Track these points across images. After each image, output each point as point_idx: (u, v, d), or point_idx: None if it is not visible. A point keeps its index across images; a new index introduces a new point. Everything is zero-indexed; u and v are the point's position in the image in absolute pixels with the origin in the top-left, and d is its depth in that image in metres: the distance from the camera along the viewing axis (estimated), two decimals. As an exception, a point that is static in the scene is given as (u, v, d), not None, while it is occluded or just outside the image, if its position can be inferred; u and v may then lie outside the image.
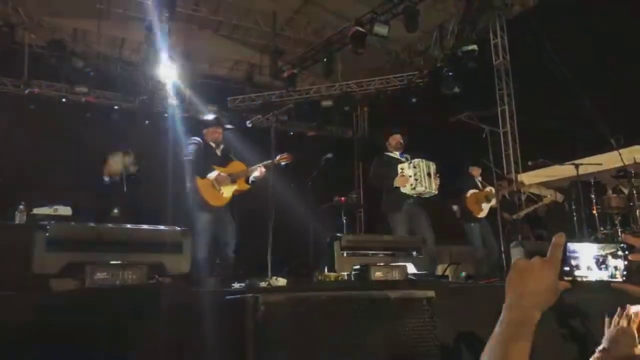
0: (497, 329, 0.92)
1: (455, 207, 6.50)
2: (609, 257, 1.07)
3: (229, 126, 5.26)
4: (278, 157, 4.82)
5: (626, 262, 1.03)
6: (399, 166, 5.52)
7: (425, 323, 2.14)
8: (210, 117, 5.26)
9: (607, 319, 1.53)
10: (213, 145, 5.07)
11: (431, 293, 2.24)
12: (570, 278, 1.02)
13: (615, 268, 1.06)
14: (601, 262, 1.08)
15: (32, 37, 8.89)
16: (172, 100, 9.58)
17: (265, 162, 4.78)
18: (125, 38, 9.83)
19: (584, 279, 1.06)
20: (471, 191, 6.41)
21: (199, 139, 5.10)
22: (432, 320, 2.16)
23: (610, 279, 1.07)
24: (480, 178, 6.61)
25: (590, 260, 1.07)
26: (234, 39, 10.32)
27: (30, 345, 2.14)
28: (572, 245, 1.05)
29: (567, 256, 1.02)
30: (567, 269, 1.02)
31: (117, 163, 5.87)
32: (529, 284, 0.95)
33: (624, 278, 1.04)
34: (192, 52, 9.66)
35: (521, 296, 0.94)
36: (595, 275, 1.07)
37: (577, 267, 1.05)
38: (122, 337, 2.27)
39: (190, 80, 9.49)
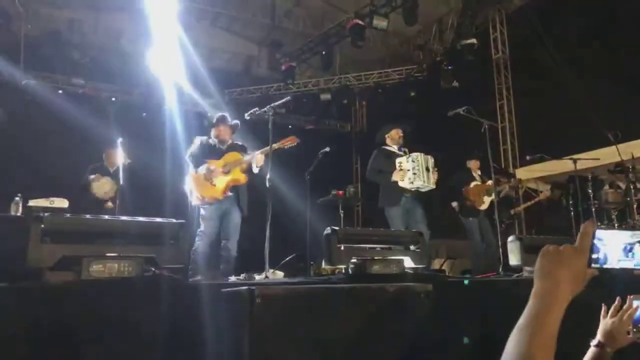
0: (525, 317, 0.89)
1: (454, 204, 6.48)
2: (637, 245, 1.06)
3: (234, 122, 5.21)
4: (282, 142, 4.76)
5: None
6: (397, 160, 5.50)
7: (423, 316, 2.13)
8: (216, 115, 5.21)
9: (604, 308, 1.52)
10: (217, 142, 5.02)
11: (430, 287, 2.23)
12: (597, 266, 1.01)
13: None
14: (629, 250, 1.07)
15: (28, 27, 8.81)
16: (170, 93, 9.53)
17: (263, 149, 4.72)
18: (123, 29, 9.76)
19: (610, 267, 1.05)
20: (474, 183, 6.39)
21: (203, 137, 5.08)
22: (430, 313, 2.15)
23: (635, 267, 1.07)
24: (479, 172, 6.58)
25: (619, 248, 1.06)
26: (233, 31, 10.27)
27: (25, 337, 2.12)
28: (600, 233, 1.03)
29: (594, 244, 1.00)
30: (595, 256, 1.00)
31: (101, 189, 5.90)
32: (561, 271, 0.93)
33: None
34: (190, 44, 9.59)
35: (554, 284, 0.92)
36: (623, 263, 1.07)
37: (605, 256, 1.04)
38: (117, 329, 2.26)
39: (188, 72, 9.43)
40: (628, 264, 1.06)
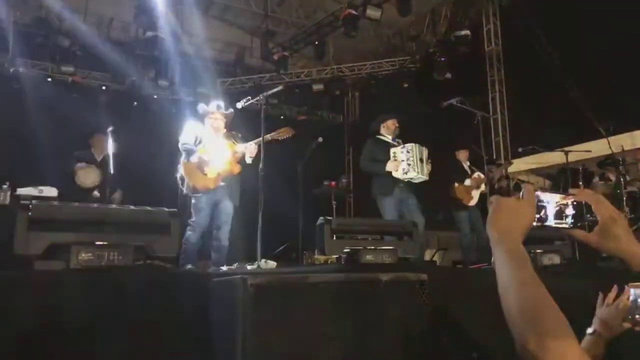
0: (499, 269, 0.96)
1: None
2: (569, 207, 1.17)
3: (229, 111, 5.15)
4: (276, 133, 4.74)
5: (574, 211, 1.16)
6: (392, 150, 5.49)
7: (418, 306, 2.13)
8: (211, 103, 5.14)
9: (600, 296, 1.52)
10: (212, 130, 4.97)
11: (424, 276, 2.22)
12: (539, 224, 1.13)
13: (572, 217, 1.17)
14: (561, 211, 1.17)
15: (18, 14, 8.67)
16: (162, 82, 9.44)
17: (256, 140, 4.69)
18: (113, 17, 9.63)
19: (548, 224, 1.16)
20: (460, 184, 6.30)
21: (196, 124, 5.00)
22: (425, 302, 2.14)
23: (567, 227, 1.17)
24: (468, 163, 6.53)
25: (554, 209, 1.16)
26: (225, 20, 10.17)
27: (13, 326, 2.09)
28: (540, 195, 1.14)
29: (537, 204, 1.11)
30: (537, 215, 1.11)
31: (88, 178, 5.76)
32: (514, 219, 1.04)
33: (572, 225, 1.17)
34: (182, 33, 9.49)
35: (509, 230, 1.02)
36: (557, 223, 1.17)
37: (546, 215, 1.15)
38: (107, 318, 2.23)
39: (179, 61, 9.33)
40: (563, 224, 1.16)
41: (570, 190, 1.19)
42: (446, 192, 6.27)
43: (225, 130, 5.03)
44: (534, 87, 8.10)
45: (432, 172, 5.54)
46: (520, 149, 6.82)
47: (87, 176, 5.79)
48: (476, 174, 6.38)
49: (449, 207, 6.41)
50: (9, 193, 4.97)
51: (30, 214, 2.52)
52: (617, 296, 1.48)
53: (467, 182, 6.29)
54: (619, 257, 1.14)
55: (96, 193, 5.79)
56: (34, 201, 2.67)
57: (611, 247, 1.13)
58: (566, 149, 6.25)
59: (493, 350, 2.38)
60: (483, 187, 6.18)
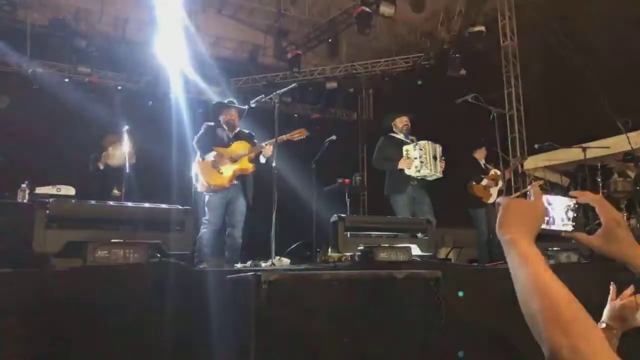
0: (516, 273, 0.93)
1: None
2: (572, 209, 1.16)
3: (241, 107, 5.18)
4: (291, 134, 4.78)
5: (575, 214, 1.14)
6: (405, 148, 5.47)
7: (432, 303, 2.11)
8: (226, 101, 5.18)
9: (613, 287, 1.49)
10: (225, 128, 5.00)
11: (439, 273, 2.21)
12: (548, 227, 1.11)
13: (574, 219, 1.15)
14: (565, 214, 1.16)
15: (35, 16, 8.79)
16: (176, 81, 9.51)
17: (271, 140, 4.72)
18: (129, 17, 9.71)
19: (556, 229, 1.14)
20: (474, 183, 6.28)
21: (211, 123, 5.05)
22: (439, 300, 2.13)
23: (569, 230, 1.15)
24: (483, 161, 6.51)
25: (563, 212, 1.15)
26: (238, 19, 10.19)
27: (30, 322, 2.12)
28: (549, 197, 1.12)
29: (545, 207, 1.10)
30: (546, 218, 1.10)
31: (118, 155, 5.76)
32: (525, 219, 1.01)
33: (573, 228, 1.14)
34: (196, 32, 9.54)
35: (521, 231, 0.99)
36: (564, 226, 1.15)
37: (553, 218, 1.13)
38: (123, 315, 2.25)
39: (194, 61, 9.39)
40: (566, 227, 1.14)
41: (573, 193, 1.17)
42: (464, 191, 6.26)
43: (238, 127, 5.07)
44: (551, 82, 7.99)
45: (449, 171, 5.51)
46: (536, 146, 6.73)
47: (118, 153, 5.73)
48: (492, 171, 6.34)
49: (465, 206, 6.38)
50: (27, 192, 5.05)
51: (48, 212, 2.55)
52: (633, 293, 1.45)
53: (484, 182, 6.27)
54: (620, 260, 1.11)
55: (116, 192, 5.86)
56: (51, 199, 2.70)
57: (614, 250, 1.11)
58: (584, 145, 6.16)
59: (507, 345, 2.36)
60: (501, 184, 6.14)
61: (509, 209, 1.03)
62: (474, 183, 6.25)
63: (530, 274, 0.89)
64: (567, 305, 0.83)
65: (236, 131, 5.03)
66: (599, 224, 1.13)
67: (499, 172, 6.21)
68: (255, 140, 5.04)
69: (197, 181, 4.93)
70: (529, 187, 1.11)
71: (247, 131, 5.17)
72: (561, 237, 1.15)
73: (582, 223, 1.15)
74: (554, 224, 1.12)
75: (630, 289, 1.48)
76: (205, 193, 4.82)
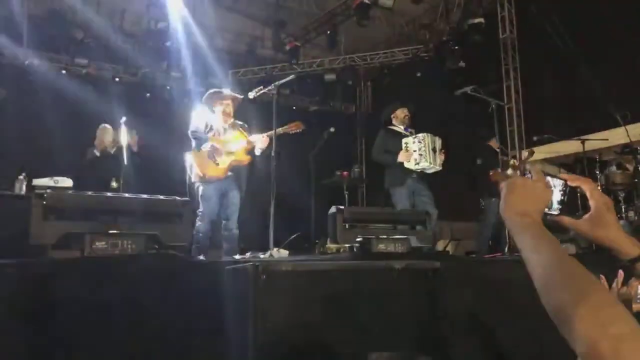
0: (531, 259, 0.86)
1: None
2: (558, 192, 1.15)
3: (237, 95, 5.15)
4: (287, 127, 4.76)
5: (562, 197, 1.13)
6: (404, 140, 5.45)
7: (430, 293, 2.11)
8: (221, 89, 5.15)
9: (602, 278, 1.48)
10: (223, 117, 4.97)
11: (437, 264, 2.21)
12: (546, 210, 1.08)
13: (559, 203, 1.13)
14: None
15: (32, 7, 8.72)
16: (174, 73, 9.47)
17: (268, 133, 4.70)
18: (126, 9, 9.65)
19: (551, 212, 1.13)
20: (499, 170, 6.22)
21: (203, 110, 5.01)
22: (437, 290, 2.13)
23: (554, 213, 1.13)
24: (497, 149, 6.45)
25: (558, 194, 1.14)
26: (237, 10, 10.12)
27: (28, 314, 2.12)
28: (550, 180, 1.11)
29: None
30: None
31: (108, 137, 5.87)
32: (531, 199, 0.99)
33: (559, 211, 1.13)
34: (194, 23, 9.48)
35: (528, 212, 0.96)
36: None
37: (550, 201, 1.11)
38: (120, 306, 2.25)
39: (191, 52, 9.34)
40: (550, 211, 1.13)
41: (562, 175, 1.15)
42: (482, 181, 6.16)
43: (232, 118, 5.04)
44: (549, 74, 7.97)
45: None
46: (535, 138, 6.71)
47: (106, 135, 5.91)
48: (512, 161, 6.29)
49: (479, 196, 6.30)
50: (24, 184, 5.03)
51: (45, 203, 2.55)
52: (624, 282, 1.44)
53: (509, 171, 6.22)
54: (607, 246, 1.09)
55: (114, 184, 5.86)
56: (48, 191, 2.69)
57: (601, 235, 1.09)
58: (582, 137, 6.15)
59: (505, 336, 2.36)
60: (510, 171, 6.11)
61: (514, 188, 1.01)
62: (499, 170, 6.17)
63: (554, 260, 0.81)
64: (606, 297, 0.75)
65: (231, 121, 5.00)
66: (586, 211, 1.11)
67: (517, 162, 6.17)
68: (249, 132, 5.02)
69: (191, 170, 4.92)
70: (529, 170, 1.09)
71: (240, 122, 5.13)
72: (547, 220, 1.13)
73: (566, 206, 1.14)
74: (550, 207, 1.10)
75: (620, 276, 1.47)
76: (198, 183, 4.79)
